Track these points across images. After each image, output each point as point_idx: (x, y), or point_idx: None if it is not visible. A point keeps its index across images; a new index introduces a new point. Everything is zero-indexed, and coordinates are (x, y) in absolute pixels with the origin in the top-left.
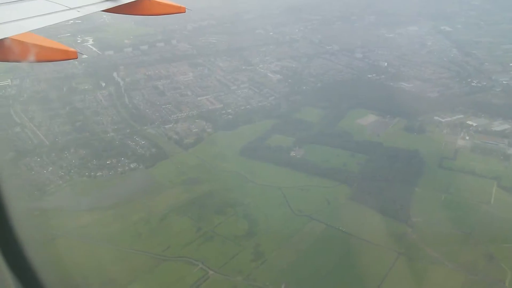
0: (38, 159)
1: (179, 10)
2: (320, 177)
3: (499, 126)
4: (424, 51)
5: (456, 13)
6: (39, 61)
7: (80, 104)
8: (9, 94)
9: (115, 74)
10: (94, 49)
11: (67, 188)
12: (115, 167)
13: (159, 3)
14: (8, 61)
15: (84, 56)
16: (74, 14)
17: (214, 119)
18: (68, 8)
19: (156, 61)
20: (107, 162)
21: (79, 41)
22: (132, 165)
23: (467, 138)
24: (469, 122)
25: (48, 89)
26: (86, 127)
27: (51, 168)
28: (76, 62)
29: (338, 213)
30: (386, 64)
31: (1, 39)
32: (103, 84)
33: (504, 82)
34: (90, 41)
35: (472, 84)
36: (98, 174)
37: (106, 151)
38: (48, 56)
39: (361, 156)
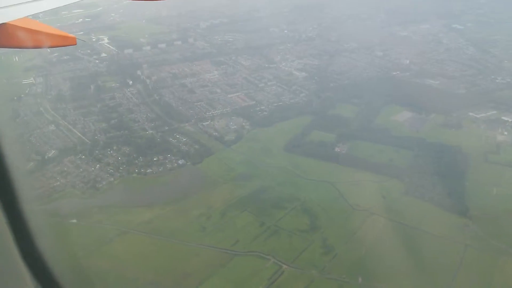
0: (83, 157)
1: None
2: (369, 172)
3: None
4: (442, 48)
5: (464, 11)
6: (38, 47)
7: (111, 102)
8: (35, 92)
9: (139, 72)
10: (111, 47)
11: (120, 185)
12: (163, 164)
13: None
14: (6, 47)
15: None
16: None
17: (250, 116)
18: None
19: (177, 59)
20: (154, 159)
21: (94, 39)
22: (180, 162)
23: (506, 133)
24: (504, 118)
25: (75, 87)
26: (122, 124)
27: (98, 165)
28: (97, 61)
29: (396, 207)
30: (408, 61)
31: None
32: (130, 82)
33: None
34: (106, 40)
35: (497, 81)
36: (148, 171)
37: (150, 148)
38: (47, 42)
39: (405, 152)
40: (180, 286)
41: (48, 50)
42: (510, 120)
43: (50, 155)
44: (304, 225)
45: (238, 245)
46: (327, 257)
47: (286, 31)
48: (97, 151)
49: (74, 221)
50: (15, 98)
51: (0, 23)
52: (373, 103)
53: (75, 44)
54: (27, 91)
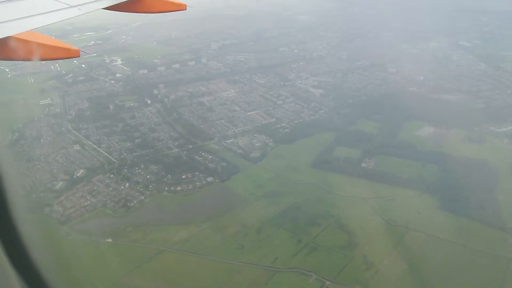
0: (111, 176)
1: (180, 8)
2: (400, 187)
3: None
4: (453, 65)
5: (470, 28)
6: (42, 59)
7: (132, 121)
8: (54, 113)
9: (156, 92)
10: (125, 68)
11: (151, 203)
12: (192, 182)
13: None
14: (10, 60)
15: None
16: (75, 12)
17: (272, 133)
18: (69, 6)
19: (192, 78)
20: (183, 176)
21: (107, 61)
22: (208, 179)
23: None
24: None
25: (93, 107)
26: (147, 143)
27: (127, 184)
28: (113, 81)
29: (433, 222)
30: (422, 78)
31: (4, 38)
32: (149, 101)
33: None
34: (119, 61)
35: None
36: (178, 188)
37: (177, 166)
38: (51, 54)
39: (432, 166)
40: None
41: (63, 72)
42: None
43: (78, 174)
44: (341, 242)
45: (278, 262)
46: (369, 273)
47: (296, 50)
48: (125, 170)
49: (109, 240)
50: (35, 119)
51: (5, 36)
52: (393, 118)
53: (79, 56)
54: (46, 112)
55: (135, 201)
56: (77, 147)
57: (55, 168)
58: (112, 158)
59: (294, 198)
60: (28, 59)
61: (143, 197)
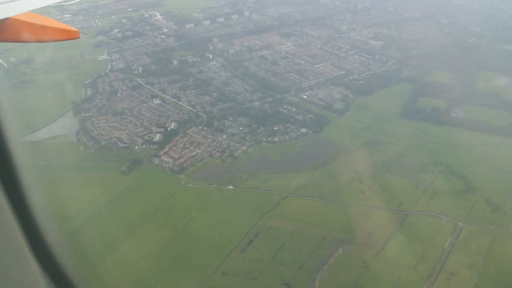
0: (204, 128)
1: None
2: (496, 135)
3: None
4: (504, 15)
5: None
6: (41, 41)
7: (202, 75)
8: (118, 68)
9: (211, 46)
10: (169, 23)
11: (254, 153)
12: (286, 133)
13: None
14: (10, 41)
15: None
16: None
17: (347, 85)
18: None
19: (242, 32)
20: (275, 128)
21: (146, 15)
22: (302, 130)
23: None
24: None
25: (156, 62)
26: (225, 97)
27: (224, 135)
28: (163, 36)
29: None
30: (479, 28)
31: (3, 19)
32: (210, 56)
33: None
34: (159, 16)
35: None
36: (275, 139)
37: (265, 118)
38: (51, 36)
39: None
40: (369, 244)
41: (107, 27)
42: None
43: (171, 127)
44: (459, 186)
45: (404, 206)
46: (497, 214)
47: (337, 2)
48: (215, 122)
49: (231, 187)
50: (102, 74)
51: (4, 18)
52: (464, 69)
53: (78, 38)
54: (109, 67)
55: (239, 151)
56: (157, 101)
57: (145, 121)
58: (198, 112)
59: (396, 147)
60: (28, 41)
61: (245, 148)
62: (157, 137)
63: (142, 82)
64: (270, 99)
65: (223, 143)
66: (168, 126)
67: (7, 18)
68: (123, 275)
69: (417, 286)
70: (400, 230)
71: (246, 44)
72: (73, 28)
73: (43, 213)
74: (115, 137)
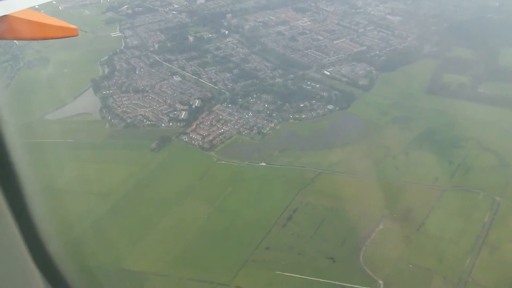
0: (229, 105)
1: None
2: None
3: None
4: None
5: None
6: (39, 38)
7: (219, 52)
8: (133, 45)
9: (225, 23)
10: None
11: (283, 130)
12: (313, 110)
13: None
14: (8, 39)
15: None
16: None
17: (369, 61)
18: None
19: (255, 8)
20: (301, 105)
21: None
22: (329, 107)
23: None
24: None
25: (171, 38)
26: (246, 74)
27: (250, 113)
28: (175, 12)
29: None
30: (497, 3)
31: (0, 17)
32: (226, 32)
33: None
34: None
35: None
36: (302, 116)
37: (290, 95)
38: (49, 33)
39: None
40: (409, 219)
41: (116, 3)
42: None
43: (196, 104)
44: (492, 162)
45: (440, 182)
46: None
47: None
48: (239, 100)
49: (263, 164)
50: (117, 51)
51: (2, 15)
52: (486, 45)
53: (77, 35)
54: (123, 45)
55: (267, 128)
56: (177, 78)
57: (168, 98)
58: (220, 88)
59: (425, 123)
60: (26, 39)
61: (272, 125)
62: (183, 115)
63: (159, 59)
64: (292, 75)
65: (250, 120)
66: (192, 103)
67: (5, 15)
68: (167, 250)
69: (461, 260)
70: (438, 206)
71: (261, 19)
72: (72, 26)
73: (44, 219)
74: (140, 115)
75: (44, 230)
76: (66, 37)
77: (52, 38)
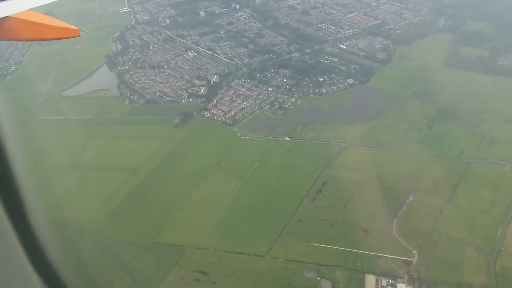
0: (248, 80)
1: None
2: None
3: None
4: None
5: None
6: (40, 39)
7: (232, 27)
8: (143, 21)
9: None
10: None
11: (304, 104)
12: (333, 84)
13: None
14: (8, 40)
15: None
16: None
17: (385, 34)
18: None
19: None
20: (320, 79)
21: None
22: (349, 81)
23: None
24: None
25: (182, 14)
26: (261, 48)
27: (270, 88)
28: None
29: None
30: None
31: (2, 18)
32: (237, 7)
33: None
34: None
35: None
36: (323, 91)
37: (308, 70)
38: (50, 34)
39: None
40: (438, 191)
41: None
42: None
43: (214, 80)
44: None
45: (465, 154)
46: None
47: None
48: (257, 75)
49: (287, 139)
50: (128, 26)
51: (3, 16)
52: (501, 18)
53: (78, 36)
54: (133, 20)
55: (288, 103)
56: (192, 53)
57: (185, 74)
58: (237, 63)
59: (446, 97)
60: (27, 40)
61: (293, 100)
62: (202, 91)
63: (172, 34)
64: (308, 50)
65: (270, 95)
66: (210, 79)
67: (6, 16)
68: (201, 224)
69: (493, 229)
70: (465, 177)
71: None
72: (73, 26)
73: (43, 222)
74: (159, 91)
75: (42, 234)
76: (68, 37)
77: (53, 39)
